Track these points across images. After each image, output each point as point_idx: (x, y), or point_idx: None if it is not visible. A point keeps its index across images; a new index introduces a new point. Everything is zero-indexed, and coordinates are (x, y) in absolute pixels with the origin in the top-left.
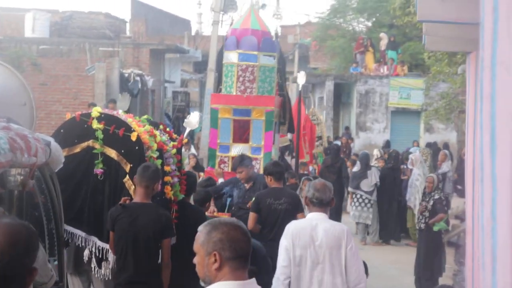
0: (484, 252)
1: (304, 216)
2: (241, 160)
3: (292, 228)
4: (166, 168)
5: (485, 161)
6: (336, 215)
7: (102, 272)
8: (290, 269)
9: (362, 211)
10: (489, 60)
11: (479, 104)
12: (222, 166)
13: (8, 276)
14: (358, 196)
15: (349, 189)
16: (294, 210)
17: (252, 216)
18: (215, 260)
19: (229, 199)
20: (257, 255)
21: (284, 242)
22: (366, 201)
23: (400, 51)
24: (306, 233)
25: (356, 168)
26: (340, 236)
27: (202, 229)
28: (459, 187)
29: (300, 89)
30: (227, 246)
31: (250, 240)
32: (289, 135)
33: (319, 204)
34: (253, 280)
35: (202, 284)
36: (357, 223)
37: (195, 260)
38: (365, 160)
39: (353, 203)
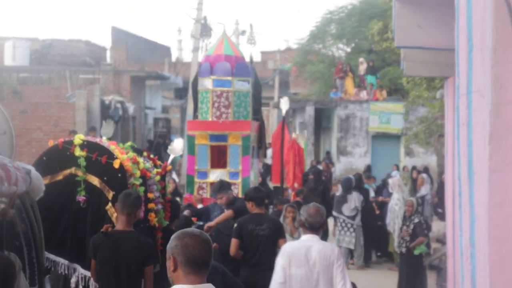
0: (463, 277)
1: (285, 242)
2: (220, 186)
3: (288, 249)
4: (150, 195)
5: (463, 187)
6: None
7: None
8: (286, 286)
9: (345, 235)
10: (465, 88)
11: (457, 129)
12: (200, 192)
13: None
14: (341, 220)
15: (334, 213)
16: (276, 236)
17: (234, 242)
18: (172, 264)
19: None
20: (211, 275)
21: (281, 261)
22: (349, 225)
23: (378, 75)
24: (301, 253)
25: (338, 193)
26: (331, 255)
27: (171, 237)
28: (440, 210)
29: (283, 114)
30: (180, 251)
31: (207, 249)
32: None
33: (311, 228)
34: (209, 285)
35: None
36: (340, 247)
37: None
38: (346, 184)
39: (336, 227)
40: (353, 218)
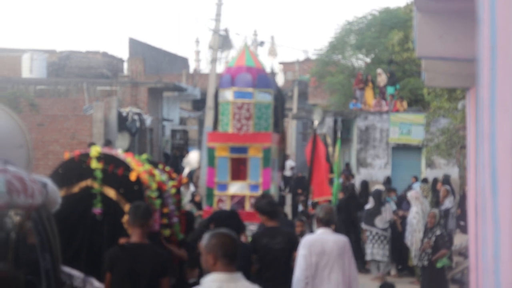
0: None
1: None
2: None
3: (308, 240)
4: (164, 210)
5: (486, 200)
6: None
7: None
8: (308, 271)
9: (379, 248)
10: (488, 99)
11: (480, 141)
12: (220, 205)
13: None
14: (374, 233)
15: (363, 226)
16: (291, 249)
17: None
18: (212, 258)
19: None
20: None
21: (302, 251)
22: (382, 237)
23: (398, 86)
24: (318, 244)
25: (369, 205)
26: (344, 245)
27: (206, 236)
28: (461, 223)
29: (315, 126)
30: (219, 248)
31: (237, 245)
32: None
33: (326, 223)
34: (240, 274)
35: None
36: (371, 261)
37: (202, 258)
38: (379, 196)
39: (369, 240)
40: (386, 230)
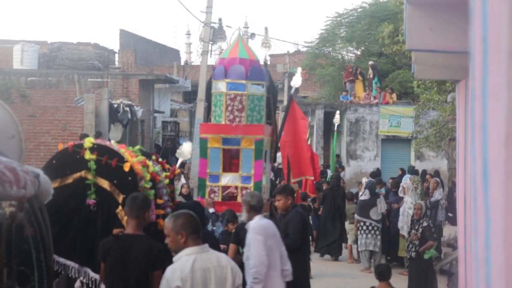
0: (478, 283)
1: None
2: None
3: (262, 226)
4: (159, 201)
5: (478, 191)
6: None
7: None
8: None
9: (372, 239)
10: (480, 90)
11: (469, 132)
12: (212, 195)
13: None
14: (368, 224)
15: (357, 217)
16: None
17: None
18: (182, 236)
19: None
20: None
21: (259, 237)
22: (375, 228)
23: (376, 79)
24: (270, 228)
25: (364, 197)
26: (276, 227)
27: (169, 219)
28: (450, 214)
29: (292, 92)
30: (187, 226)
31: (198, 222)
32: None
33: (259, 209)
34: (207, 245)
35: (173, 254)
36: (362, 251)
37: (167, 240)
38: (374, 188)
39: (361, 231)
40: (379, 221)
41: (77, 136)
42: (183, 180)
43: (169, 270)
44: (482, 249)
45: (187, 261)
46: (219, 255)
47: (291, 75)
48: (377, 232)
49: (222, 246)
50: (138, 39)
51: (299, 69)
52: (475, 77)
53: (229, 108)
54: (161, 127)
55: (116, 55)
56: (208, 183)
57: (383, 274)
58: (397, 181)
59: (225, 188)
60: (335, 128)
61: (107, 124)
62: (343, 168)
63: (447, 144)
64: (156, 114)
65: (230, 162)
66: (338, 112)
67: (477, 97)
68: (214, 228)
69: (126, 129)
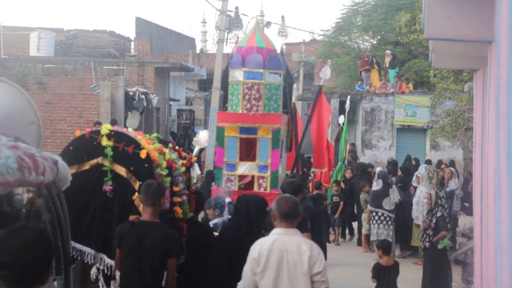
0: (502, 272)
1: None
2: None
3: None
4: (175, 189)
5: (502, 180)
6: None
7: None
8: None
9: (384, 229)
10: (506, 79)
11: (488, 122)
12: (228, 184)
13: None
14: (380, 214)
15: (369, 207)
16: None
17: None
18: (273, 217)
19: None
20: None
21: None
22: (388, 218)
23: (397, 69)
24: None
25: (377, 187)
26: None
27: (276, 199)
28: (466, 204)
29: (322, 83)
30: (277, 209)
31: (292, 206)
32: None
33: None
34: (294, 229)
35: None
36: (374, 241)
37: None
38: (387, 178)
39: (374, 222)
40: (392, 212)
41: (93, 124)
42: (197, 170)
43: (256, 243)
44: (505, 238)
45: (269, 239)
46: (302, 241)
47: (306, 64)
48: (390, 223)
49: None
50: (154, 27)
51: (329, 61)
52: (500, 65)
53: (246, 97)
54: (176, 115)
55: (132, 43)
56: (224, 171)
57: (386, 249)
58: (402, 177)
59: (241, 177)
60: (345, 115)
61: (122, 111)
62: (355, 158)
63: (462, 134)
64: (171, 102)
65: (248, 151)
66: (349, 97)
67: (502, 85)
68: (229, 217)
69: (142, 116)
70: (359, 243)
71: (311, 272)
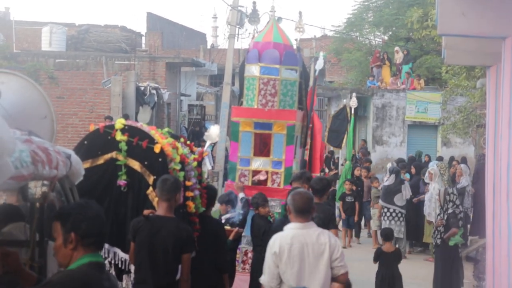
0: None
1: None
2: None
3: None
4: (187, 183)
5: None
6: None
7: (123, 285)
8: None
9: (395, 225)
10: None
11: (502, 118)
12: (242, 179)
13: None
14: (392, 210)
15: (381, 203)
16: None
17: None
18: (289, 211)
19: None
20: None
21: None
22: (399, 215)
23: (411, 65)
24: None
25: (388, 182)
26: None
27: (290, 194)
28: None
29: (316, 74)
30: (292, 204)
31: (307, 201)
32: None
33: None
34: (311, 222)
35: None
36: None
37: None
38: (399, 174)
39: (385, 218)
40: (403, 208)
41: (104, 118)
42: (208, 165)
43: (273, 237)
44: None
45: (288, 234)
46: (321, 233)
47: (316, 60)
48: (401, 219)
49: (235, 229)
50: (165, 22)
51: (321, 54)
52: None
53: (262, 92)
54: (187, 110)
55: (143, 38)
56: (238, 166)
57: (388, 236)
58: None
59: (255, 172)
60: (352, 112)
61: (134, 106)
62: (368, 154)
63: (474, 130)
64: (182, 97)
65: (262, 146)
66: (354, 94)
67: None
68: (241, 212)
69: (153, 111)
70: (369, 236)
71: (331, 259)
